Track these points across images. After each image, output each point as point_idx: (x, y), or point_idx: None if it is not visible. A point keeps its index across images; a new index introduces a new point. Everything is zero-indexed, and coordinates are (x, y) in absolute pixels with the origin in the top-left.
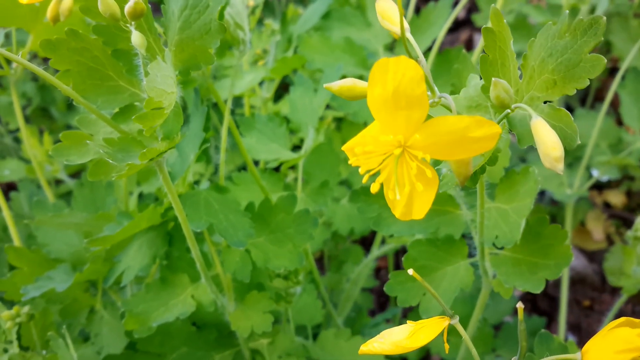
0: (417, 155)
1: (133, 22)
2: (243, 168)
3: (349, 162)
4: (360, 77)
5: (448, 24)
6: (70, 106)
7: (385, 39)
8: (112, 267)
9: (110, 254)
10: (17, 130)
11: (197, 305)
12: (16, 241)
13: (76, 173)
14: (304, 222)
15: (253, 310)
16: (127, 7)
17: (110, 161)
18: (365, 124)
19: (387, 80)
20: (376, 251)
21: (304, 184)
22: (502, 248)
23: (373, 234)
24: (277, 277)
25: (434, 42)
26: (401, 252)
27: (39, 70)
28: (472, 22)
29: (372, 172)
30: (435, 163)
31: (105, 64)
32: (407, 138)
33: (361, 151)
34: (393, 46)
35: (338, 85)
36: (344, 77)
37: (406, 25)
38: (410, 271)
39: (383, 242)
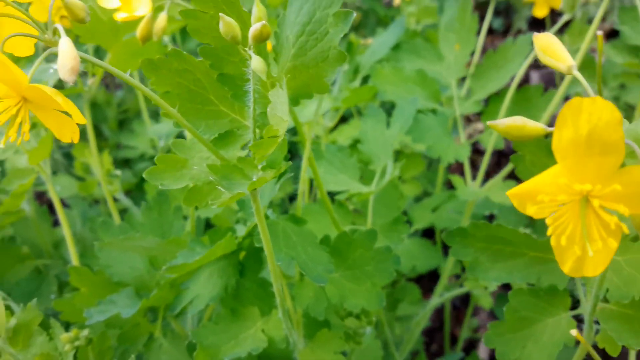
0: (606, 205)
1: (252, 47)
2: (293, 197)
3: (527, 210)
4: (433, 111)
5: (529, 61)
6: (121, 124)
7: (458, 73)
8: (178, 295)
9: (176, 280)
10: (69, 146)
11: (268, 341)
12: (75, 261)
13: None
14: (385, 260)
15: (324, 349)
16: (254, 30)
17: (221, 189)
18: (439, 159)
19: (580, 122)
20: (439, 295)
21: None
22: (608, 301)
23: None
24: (349, 316)
25: (512, 79)
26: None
27: (144, 89)
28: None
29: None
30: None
31: (207, 87)
32: (596, 186)
33: (548, 199)
34: (465, 80)
35: (505, 124)
36: (419, 111)
37: (573, 62)
38: None
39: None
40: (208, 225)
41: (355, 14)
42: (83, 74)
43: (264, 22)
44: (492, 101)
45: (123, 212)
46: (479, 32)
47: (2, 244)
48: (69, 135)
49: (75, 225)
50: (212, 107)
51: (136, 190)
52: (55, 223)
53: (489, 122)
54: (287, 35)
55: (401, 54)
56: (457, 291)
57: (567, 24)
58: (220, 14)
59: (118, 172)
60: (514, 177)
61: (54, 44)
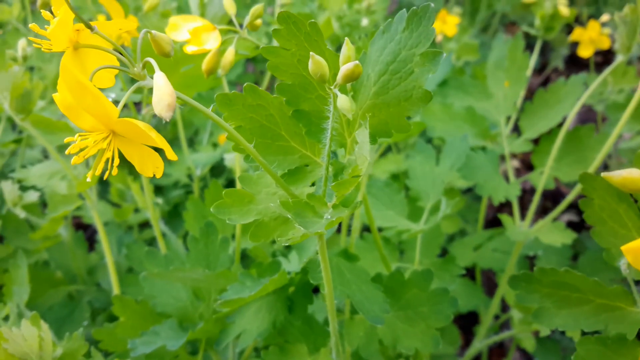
0: None
1: (337, 85)
2: None
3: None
4: (482, 149)
5: (582, 101)
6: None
7: (507, 111)
8: (224, 328)
9: (220, 313)
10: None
11: None
12: (116, 289)
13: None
14: (441, 302)
15: None
16: (345, 69)
17: (299, 227)
18: (490, 198)
19: None
20: (482, 338)
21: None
22: None
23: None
24: (398, 358)
25: (564, 119)
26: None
27: (222, 122)
28: None
29: None
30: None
31: (279, 123)
32: None
33: None
34: (518, 118)
35: (621, 176)
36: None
37: None
38: None
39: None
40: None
41: (444, 55)
42: (138, 103)
43: (356, 62)
44: (543, 140)
45: (153, 240)
46: None
47: (36, 268)
48: (152, 169)
49: (110, 252)
50: (283, 143)
51: (169, 218)
52: (90, 249)
53: (603, 174)
54: (368, 73)
55: (448, 90)
56: (505, 335)
57: (603, 64)
58: (311, 53)
59: (159, 200)
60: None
61: (141, 78)
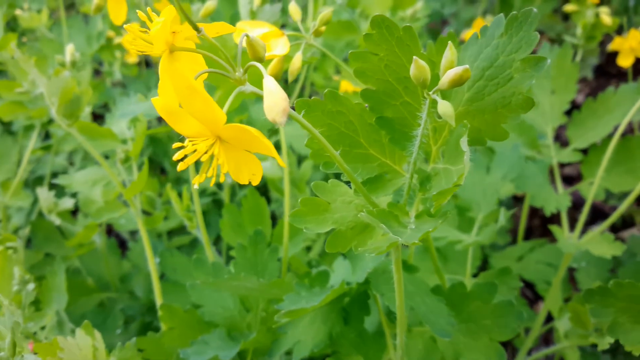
0: None
1: (433, 92)
2: None
3: None
4: (531, 159)
5: (634, 110)
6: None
7: (554, 121)
8: (276, 339)
9: (273, 323)
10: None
11: None
12: (159, 298)
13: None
14: (506, 314)
15: None
16: (454, 74)
17: (392, 236)
18: (542, 208)
19: None
20: (526, 353)
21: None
22: None
23: None
24: None
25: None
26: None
27: (310, 127)
28: None
29: None
30: None
31: (358, 130)
32: None
33: None
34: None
35: None
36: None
37: None
38: None
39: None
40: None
41: (549, 61)
42: None
43: (466, 66)
44: (593, 151)
45: (182, 247)
46: None
47: (68, 276)
48: (247, 177)
49: (143, 259)
50: (361, 150)
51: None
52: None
53: None
54: None
55: None
56: (553, 349)
57: (635, 74)
58: (414, 57)
59: (197, 208)
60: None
61: (242, 83)
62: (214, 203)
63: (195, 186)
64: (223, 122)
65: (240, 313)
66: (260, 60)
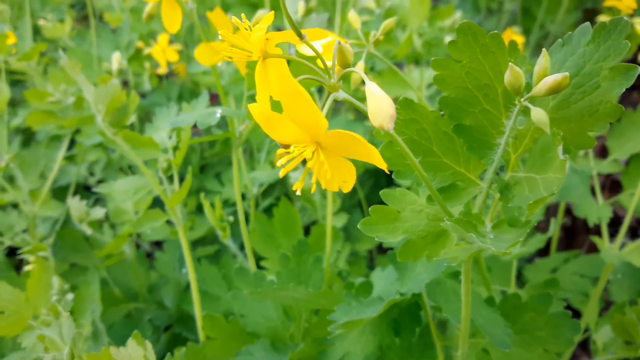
0: None
1: (525, 99)
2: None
3: None
4: (572, 169)
5: None
6: (202, 169)
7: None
8: (323, 351)
9: (317, 334)
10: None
11: None
12: (198, 309)
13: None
14: (562, 325)
15: None
16: (553, 81)
17: (492, 247)
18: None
19: None
20: None
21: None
22: None
23: None
24: None
25: None
26: None
27: (397, 138)
28: None
29: None
30: None
31: (431, 138)
32: None
33: None
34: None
35: None
36: None
37: None
38: None
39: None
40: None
41: None
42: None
43: (565, 74)
44: (633, 161)
45: (207, 257)
46: None
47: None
48: (339, 184)
49: (170, 269)
50: (434, 159)
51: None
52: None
53: None
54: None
55: None
56: None
57: None
58: (510, 64)
59: (231, 218)
60: None
61: (335, 89)
62: (235, 213)
63: (298, 192)
64: (325, 128)
65: (283, 323)
66: (348, 66)
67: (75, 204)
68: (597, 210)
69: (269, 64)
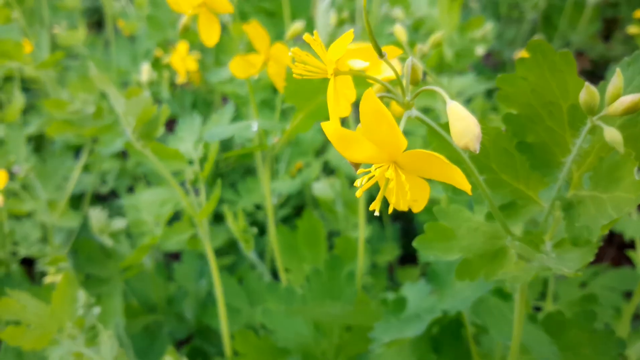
0: None
1: (597, 118)
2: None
3: None
4: None
5: None
6: (217, 178)
7: None
8: None
9: (350, 350)
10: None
11: None
12: (224, 326)
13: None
14: (606, 342)
15: None
16: (630, 101)
17: (534, 265)
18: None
19: None
20: None
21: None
22: None
23: None
24: None
25: None
26: None
27: (462, 153)
28: None
29: None
30: None
31: (490, 154)
32: None
33: None
34: None
35: None
36: None
37: None
38: None
39: None
40: None
41: None
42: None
43: None
44: None
45: (224, 267)
46: None
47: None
48: (409, 203)
49: (189, 280)
50: (492, 176)
51: (235, 246)
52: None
53: None
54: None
55: None
56: None
57: None
58: (586, 83)
59: (254, 229)
60: None
61: (409, 107)
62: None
63: (376, 213)
64: (404, 147)
65: (315, 339)
66: (417, 83)
67: (96, 215)
68: (634, 225)
69: (339, 82)
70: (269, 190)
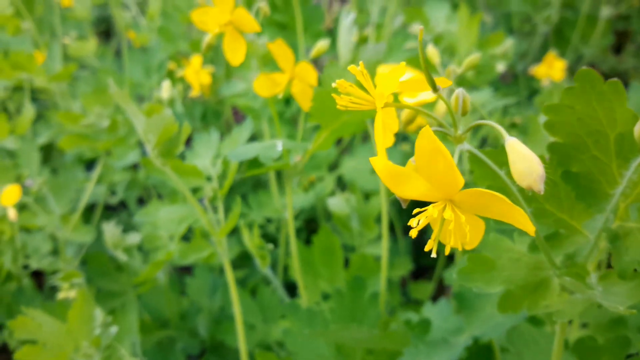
0: None
1: None
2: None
3: None
4: None
5: None
6: (230, 192)
7: None
8: None
9: None
10: None
11: None
12: (242, 346)
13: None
14: None
15: None
16: None
17: (581, 297)
18: None
19: None
20: None
21: None
22: None
23: None
24: None
25: None
26: None
27: (509, 183)
28: None
29: None
30: None
31: None
32: None
33: None
34: None
35: None
36: None
37: None
38: None
39: None
40: None
41: None
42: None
43: None
44: None
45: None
46: None
47: (125, 312)
48: (461, 241)
49: (202, 295)
50: (535, 205)
51: (246, 259)
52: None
53: None
54: None
55: None
56: None
57: None
58: None
59: (271, 245)
60: None
61: (461, 140)
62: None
63: (433, 254)
64: (461, 186)
65: None
66: (466, 114)
67: (110, 230)
68: None
69: (387, 114)
70: (291, 207)
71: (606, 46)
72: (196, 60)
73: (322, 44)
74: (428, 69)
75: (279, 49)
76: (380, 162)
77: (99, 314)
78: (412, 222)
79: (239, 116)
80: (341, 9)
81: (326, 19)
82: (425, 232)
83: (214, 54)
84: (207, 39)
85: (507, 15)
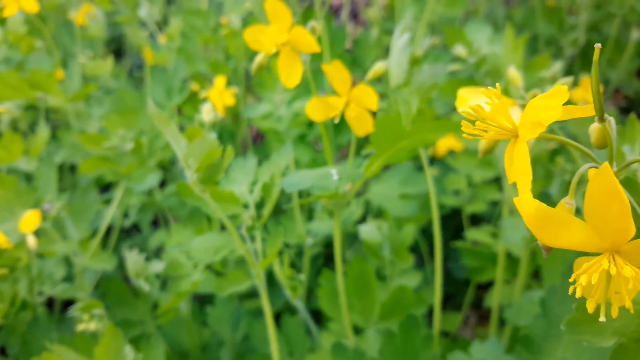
0: None
1: None
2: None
3: None
4: None
5: None
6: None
7: None
8: None
9: None
10: None
11: None
12: None
13: None
14: None
15: None
16: None
17: None
18: None
19: None
20: None
21: None
22: None
23: None
24: None
25: None
26: None
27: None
28: None
29: None
30: None
31: None
32: None
33: None
34: None
35: None
36: None
37: None
38: None
39: None
40: None
41: None
42: None
43: None
44: None
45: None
46: None
47: (143, 343)
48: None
49: (224, 326)
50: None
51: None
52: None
53: None
54: None
55: None
56: None
57: None
58: None
59: (302, 276)
60: None
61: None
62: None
63: (601, 318)
64: (632, 235)
65: None
66: (606, 145)
67: (133, 257)
68: None
69: (522, 144)
70: (339, 239)
71: (635, 70)
72: (219, 81)
73: (380, 66)
74: (599, 95)
75: (336, 70)
76: (530, 204)
77: (129, 351)
78: (579, 277)
79: (258, 135)
80: (355, 30)
81: (348, 40)
82: (448, 259)
83: (232, 75)
84: (259, 58)
85: (533, 37)
